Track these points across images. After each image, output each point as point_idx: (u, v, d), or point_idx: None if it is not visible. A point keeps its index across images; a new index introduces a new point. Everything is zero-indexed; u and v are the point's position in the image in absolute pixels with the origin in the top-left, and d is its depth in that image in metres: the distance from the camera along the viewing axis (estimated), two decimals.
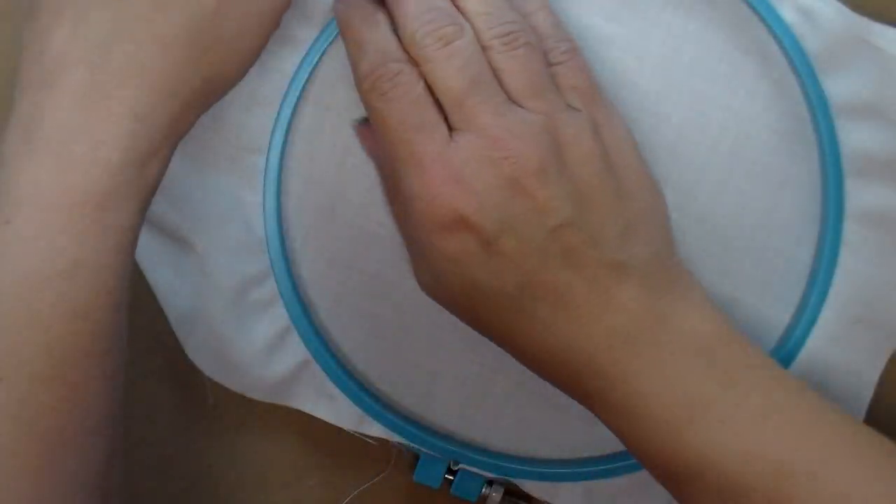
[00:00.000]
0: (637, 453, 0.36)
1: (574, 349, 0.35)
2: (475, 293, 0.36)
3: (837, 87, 0.39)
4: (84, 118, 0.32)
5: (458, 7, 0.36)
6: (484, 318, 0.37)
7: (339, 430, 0.43)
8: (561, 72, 0.37)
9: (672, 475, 0.35)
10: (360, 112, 0.41)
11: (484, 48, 0.36)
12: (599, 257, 0.35)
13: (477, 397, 0.43)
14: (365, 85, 0.36)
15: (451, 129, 0.36)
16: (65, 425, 0.32)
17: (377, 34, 0.36)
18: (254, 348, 0.41)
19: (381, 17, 0.37)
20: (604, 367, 0.35)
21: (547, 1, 0.38)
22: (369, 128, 0.40)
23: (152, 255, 0.41)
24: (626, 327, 0.35)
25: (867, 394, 0.41)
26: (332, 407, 0.42)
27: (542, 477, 0.42)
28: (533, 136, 0.35)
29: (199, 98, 0.35)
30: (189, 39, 0.34)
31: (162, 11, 0.33)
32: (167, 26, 0.33)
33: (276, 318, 0.41)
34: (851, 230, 0.40)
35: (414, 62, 0.36)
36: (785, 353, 0.41)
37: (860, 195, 0.40)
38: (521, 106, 0.36)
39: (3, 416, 0.31)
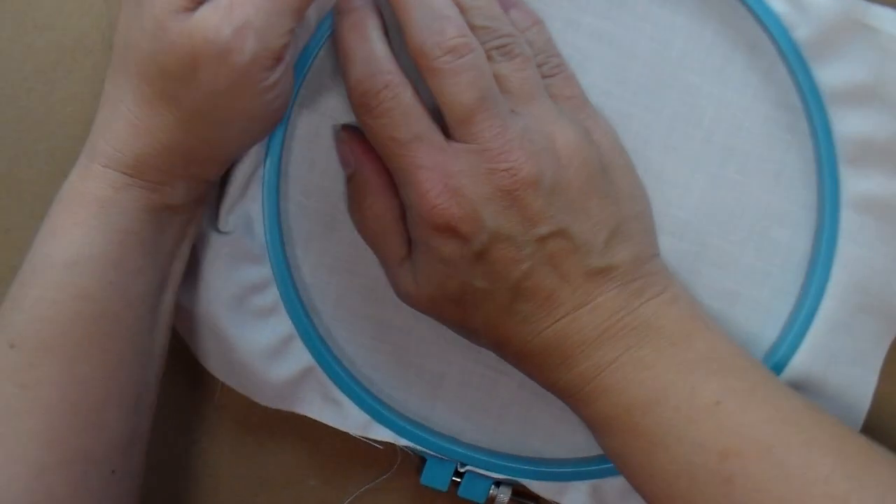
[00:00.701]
0: (599, 439, 0.38)
1: (553, 346, 0.37)
2: (465, 295, 0.37)
3: (832, 74, 0.39)
4: (104, 145, 0.36)
5: (468, 12, 0.37)
6: (472, 317, 0.38)
7: (344, 432, 0.42)
8: (553, 83, 0.39)
9: (627, 459, 0.37)
10: (355, 120, 0.41)
11: (486, 46, 0.37)
12: (585, 264, 0.37)
13: (482, 399, 0.43)
14: (353, 99, 0.37)
15: (447, 135, 0.36)
16: (69, 398, 0.35)
17: (366, 46, 0.37)
18: (258, 355, 0.41)
19: (372, 28, 0.37)
20: (578, 363, 0.37)
21: (540, 18, 0.40)
22: (348, 136, 0.40)
23: None
24: (603, 325, 0.37)
25: (871, 380, 0.41)
26: (339, 412, 0.42)
27: (550, 477, 0.42)
28: (532, 146, 0.36)
29: (199, 154, 0.36)
30: (175, 104, 0.35)
31: (147, 80, 0.35)
32: (152, 93, 0.35)
33: (280, 324, 0.41)
34: (849, 218, 0.40)
35: (405, 73, 0.37)
36: (787, 344, 0.41)
37: (856, 183, 0.40)
38: (518, 112, 0.36)
39: (13, 381, 0.34)
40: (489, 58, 0.37)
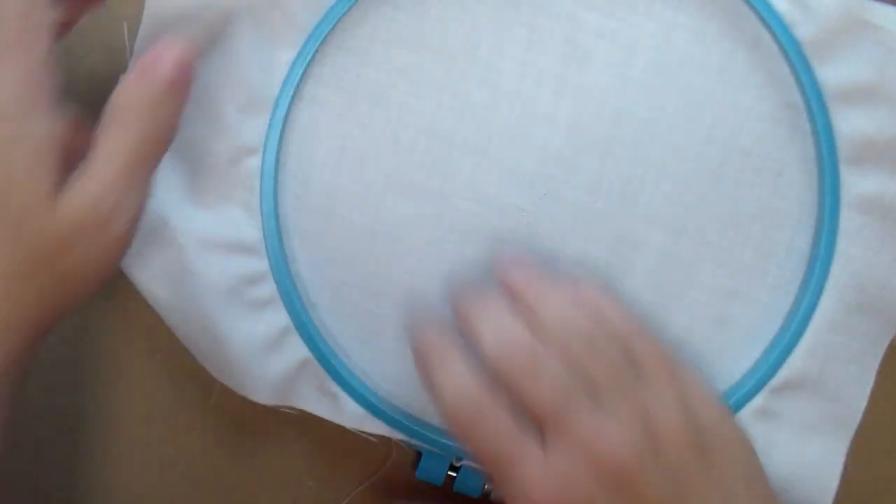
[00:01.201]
0: None
1: None
2: None
3: (834, 73, 0.39)
4: None
5: (537, 316, 0.37)
6: None
7: (339, 428, 0.42)
8: (637, 351, 0.38)
9: None
10: (353, 112, 0.41)
11: (563, 350, 0.37)
12: None
13: None
14: (450, 422, 0.36)
15: (542, 432, 0.36)
16: None
17: (452, 374, 0.36)
18: (253, 347, 0.41)
19: (455, 354, 0.37)
20: None
21: (614, 296, 0.40)
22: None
23: (145, 260, 0.41)
24: None
25: (869, 379, 0.41)
26: (334, 406, 0.42)
27: None
28: (627, 429, 0.36)
29: (45, 319, 0.36)
30: (27, 275, 0.35)
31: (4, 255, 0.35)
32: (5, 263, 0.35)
33: (275, 317, 0.41)
34: (848, 217, 0.40)
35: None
36: (785, 342, 0.41)
37: (857, 182, 0.40)
38: (607, 401, 0.36)
39: None
40: (570, 354, 0.36)
